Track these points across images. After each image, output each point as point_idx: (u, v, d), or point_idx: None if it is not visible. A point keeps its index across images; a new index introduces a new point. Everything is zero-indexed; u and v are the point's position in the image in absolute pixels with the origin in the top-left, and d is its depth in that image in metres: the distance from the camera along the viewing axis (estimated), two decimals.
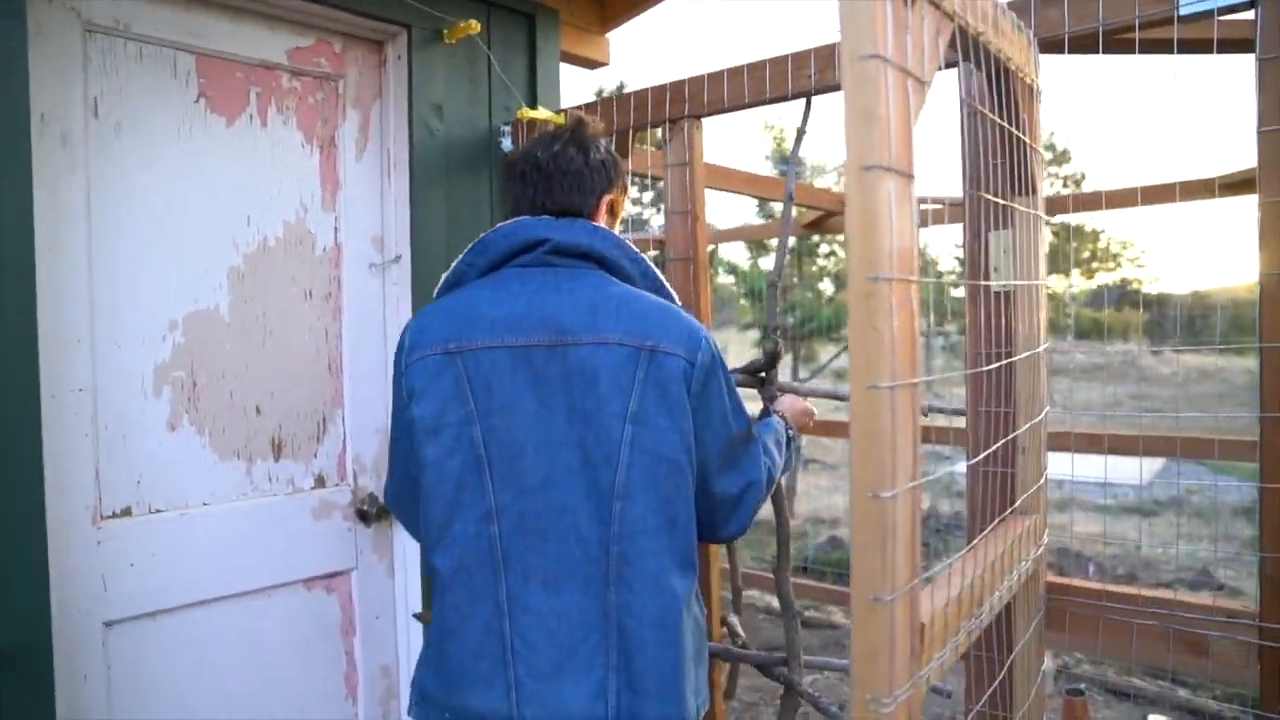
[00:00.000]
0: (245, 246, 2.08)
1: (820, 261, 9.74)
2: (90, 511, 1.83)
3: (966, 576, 1.19)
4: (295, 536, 2.15)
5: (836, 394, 1.99)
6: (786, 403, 1.82)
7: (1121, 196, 3.92)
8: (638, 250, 1.50)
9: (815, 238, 8.62)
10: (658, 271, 1.52)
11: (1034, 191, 1.50)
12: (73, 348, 1.80)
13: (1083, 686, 3.79)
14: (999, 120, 1.39)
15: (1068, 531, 7.47)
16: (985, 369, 1.58)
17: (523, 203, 1.53)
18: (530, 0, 2.51)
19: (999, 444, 1.52)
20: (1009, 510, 1.51)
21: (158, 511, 1.93)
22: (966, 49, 1.21)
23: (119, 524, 1.87)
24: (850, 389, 1.00)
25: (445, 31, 2.31)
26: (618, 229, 1.62)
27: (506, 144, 2.46)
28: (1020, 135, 1.44)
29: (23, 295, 1.65)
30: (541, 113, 2.39)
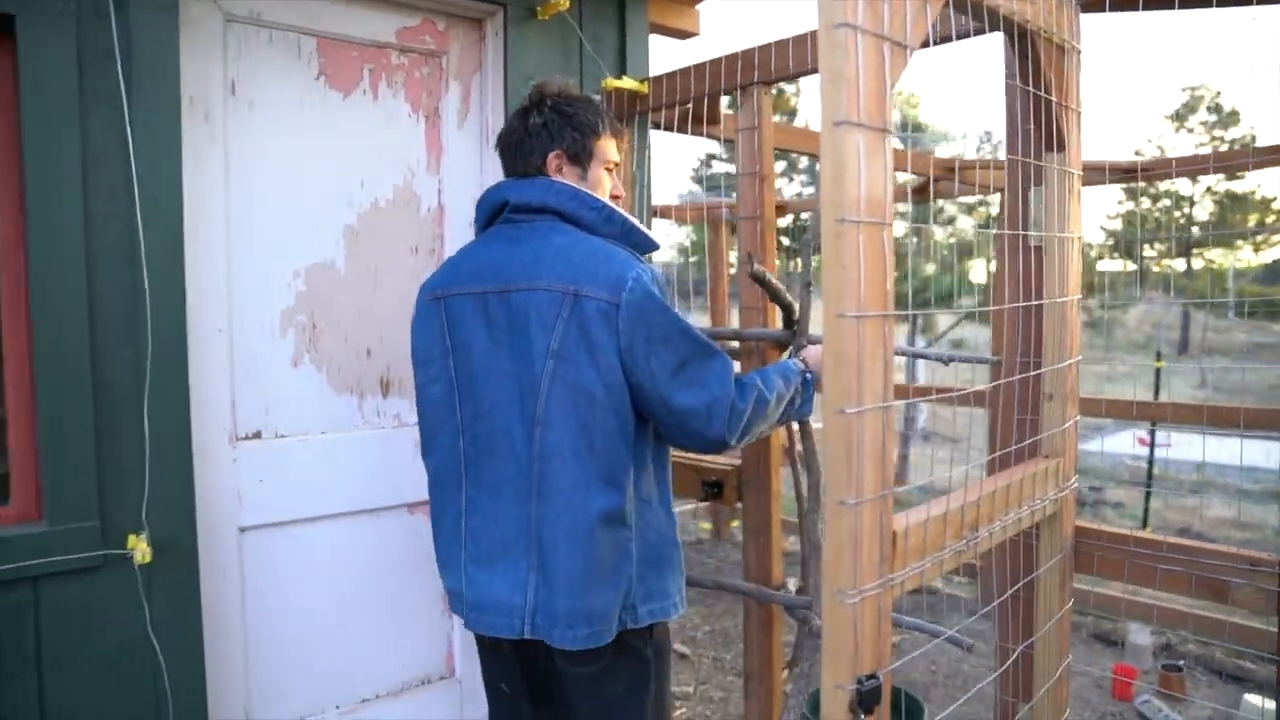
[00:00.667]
0: (359, 207, 2.35)
1: (940, 230, 9.52)
2: (227, 434, 2.15)
3: (954, 503, 1.30)
4: (399, 466, 2.42)
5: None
6: (812, 351, 1.97)
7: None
8: (599, 198, 1.70)
9: (938, 202, 8.43)
10: (626, 215, 1.71)
11: (1063, 148, 1.56)
12: (213, 295, 2.11)
13: (1181, 663, 3.72)
14: (1018, 82, 1.46)
15: (1197, 514, 7.13)
16: (990, 310, 1.65)
17: (504, 171, 1.84)
18: None
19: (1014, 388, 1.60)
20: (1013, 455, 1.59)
21: (282, 436, 2.24)
22: (971, 13, 1.30)
23: (250, 445, 2.18)
24: (825, 326, 1.14)
25: (538, 9, 2.50)
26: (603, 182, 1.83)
27: None
28: (1043, 95, 1.50)
29: (173, 251, 1.96)
30: (626, 82, 2.55)
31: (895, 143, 1.16)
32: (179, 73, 1.96)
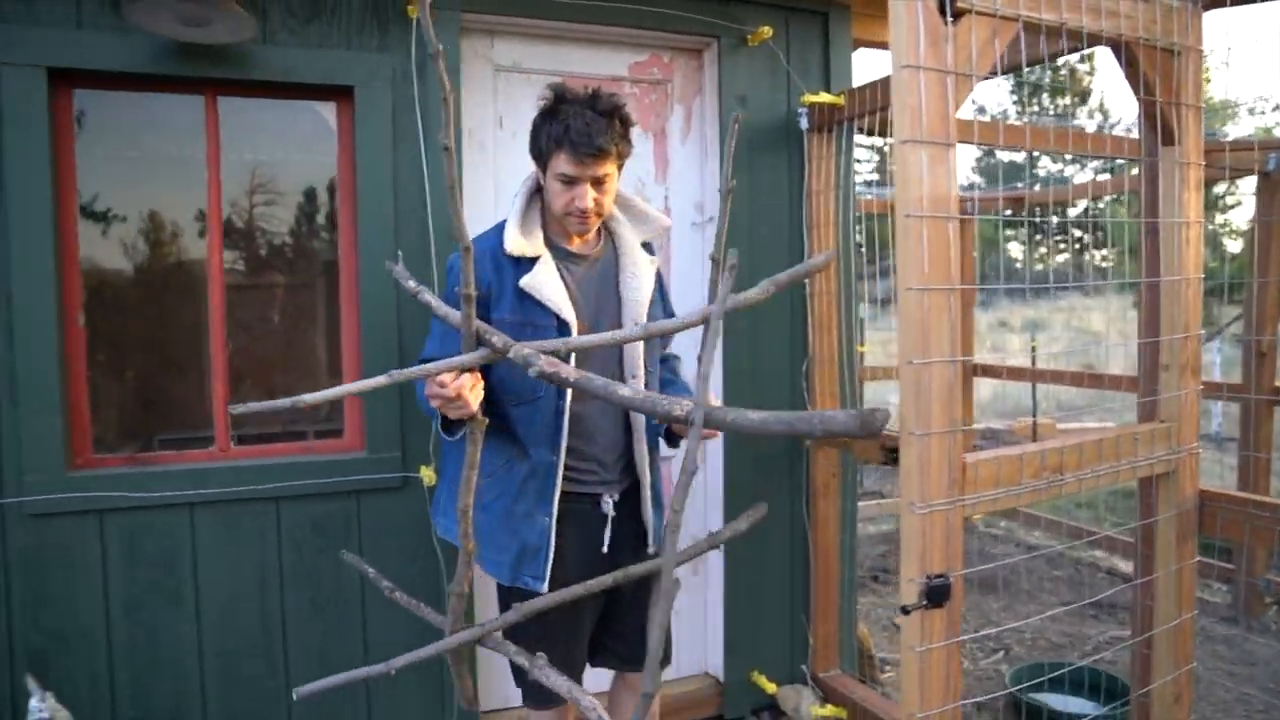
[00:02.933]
0: None
1: (1220, 217, 8.65)
2: None
3: (1032, 448, 1.55)
4: None
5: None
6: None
7: None
8: (518, 192, 1.98)
9: (1221, 187, 7.74)
10: (512, 204, 1.96)
11: (1174, 142, 1.72)
12: None
13: None
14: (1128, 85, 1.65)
15: None
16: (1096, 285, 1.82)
17: None
18: None
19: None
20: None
21: None
22: (1066, 35, 1.54)
23: None
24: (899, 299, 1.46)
25: (749, 37, 2.89)
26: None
27: (803, 123, 2.98)
28: (1146, 97, 1.68)
29: (453, 250, 2.57)
30: (824, 96, 2.88)
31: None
32: (460, 112, 2.58)
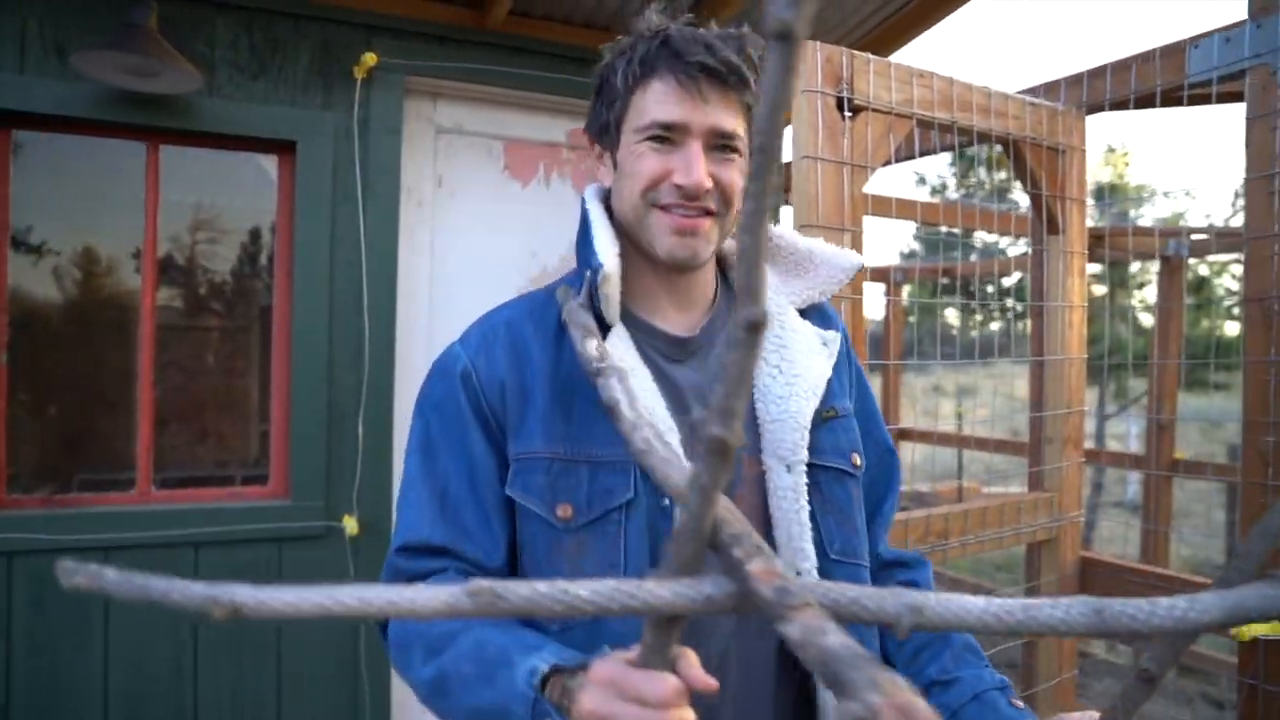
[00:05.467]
0: (531, 272, 2.96)
1: (1138, 293, 9.09)
2: None
3: (918, 513, 1.65)
4: None
5: None
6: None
7: None
8: (588, 201, 1.08)
9: (1136, 265, 8.15)
10: (586, 213, 1.06)
11: (1058, 232, 1.87)
12: (416, 336, 2.78)
13: None
14: (1018, 179, 1.80)
15: None
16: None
17: None
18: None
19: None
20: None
21: None
22: (956, 129, 1.68)
23: None
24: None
25: None
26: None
27: None
28: (1033, 190, 1.83)
29: (388, 303, 2.63)
30: None
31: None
32: (400, 174, 2.66)
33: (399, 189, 2.66)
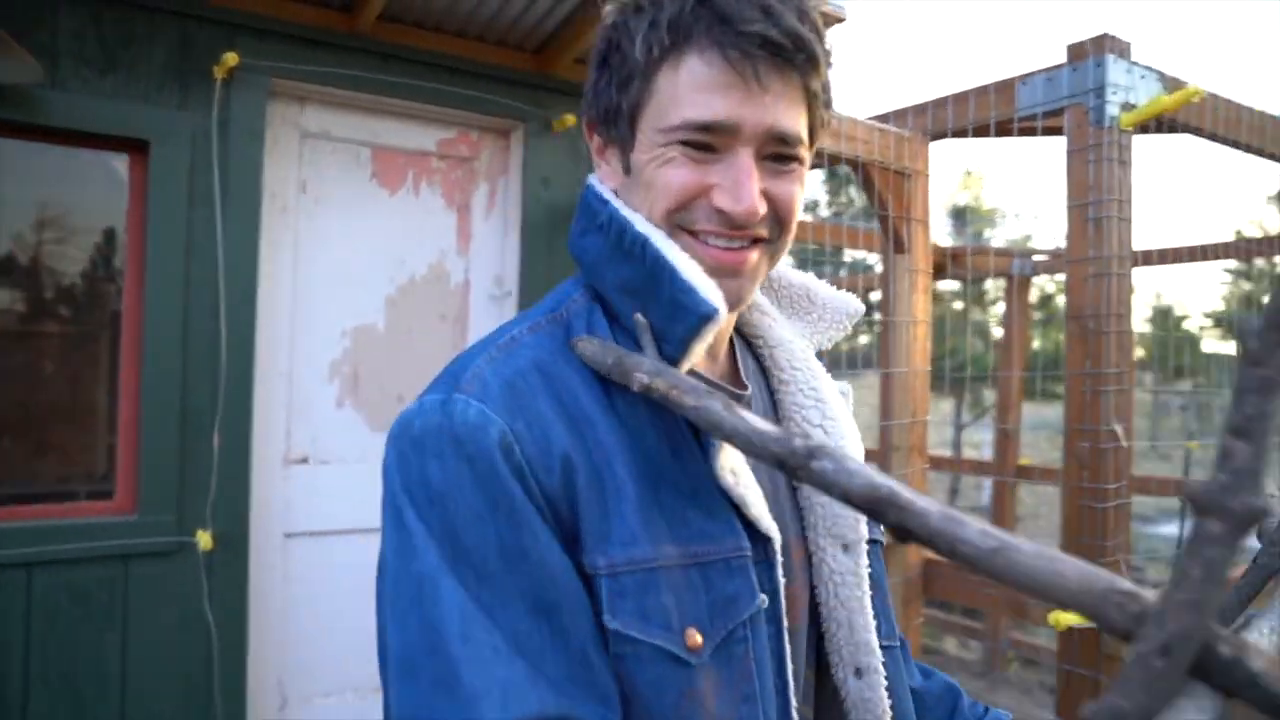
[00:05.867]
0: (399, 280, 2.92)
1: (994, 309, 9.75)
2: (281, 456, 2.71)
3: None
4: None
5: None
6: None
7: None
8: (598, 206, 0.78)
9: (990, 282, 8.69)
10: (635, 231, 0.74)
11: (904, 251, 1.99)
12: (277, 344, 2.70)
13: None
14: (871, 202, 1.90)
15: None
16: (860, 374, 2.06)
17: None
18: None
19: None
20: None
21: (325, 462, 2.79)
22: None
23: (299, 467, 2.74)
24: None
25: (554, 122, 3.06)
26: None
27: None
28: (881, 211, 1.94)
29: (247, 309, 2.55)
30: None
31: None
32: (261, 178, 2.58)
33: (260, 193, 2.58)
